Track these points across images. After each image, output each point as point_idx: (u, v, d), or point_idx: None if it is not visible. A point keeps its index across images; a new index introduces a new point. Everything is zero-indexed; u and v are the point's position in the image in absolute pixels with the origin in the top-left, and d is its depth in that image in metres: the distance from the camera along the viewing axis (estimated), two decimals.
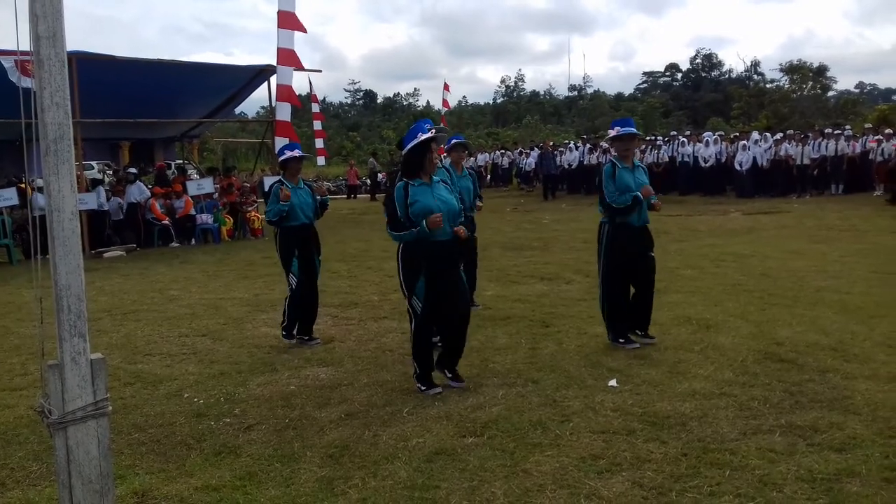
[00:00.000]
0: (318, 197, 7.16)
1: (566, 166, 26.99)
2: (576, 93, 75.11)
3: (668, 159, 23.92)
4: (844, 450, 3.99)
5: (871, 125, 25.84)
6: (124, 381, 5.94)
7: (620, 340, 6.29)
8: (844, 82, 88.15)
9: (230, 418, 5.02)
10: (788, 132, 22.95)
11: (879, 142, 20.37)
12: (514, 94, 75.78)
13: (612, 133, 6.33)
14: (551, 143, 29.28)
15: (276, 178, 7.56)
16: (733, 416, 4.58)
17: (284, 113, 15.80)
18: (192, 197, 16.78)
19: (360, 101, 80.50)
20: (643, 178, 6.28)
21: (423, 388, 5.35)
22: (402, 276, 5.34)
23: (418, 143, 5.21)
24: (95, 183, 16.75)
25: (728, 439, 4.22)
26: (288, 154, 7.10)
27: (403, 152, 5.32)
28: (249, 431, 4.75)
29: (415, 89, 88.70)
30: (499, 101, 76.00)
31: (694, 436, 4.30)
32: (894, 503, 3.41)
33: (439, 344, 5.75)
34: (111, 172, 22.67)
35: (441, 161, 6.55)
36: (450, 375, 5.47)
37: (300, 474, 4.06)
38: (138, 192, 16.44)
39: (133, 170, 17.74)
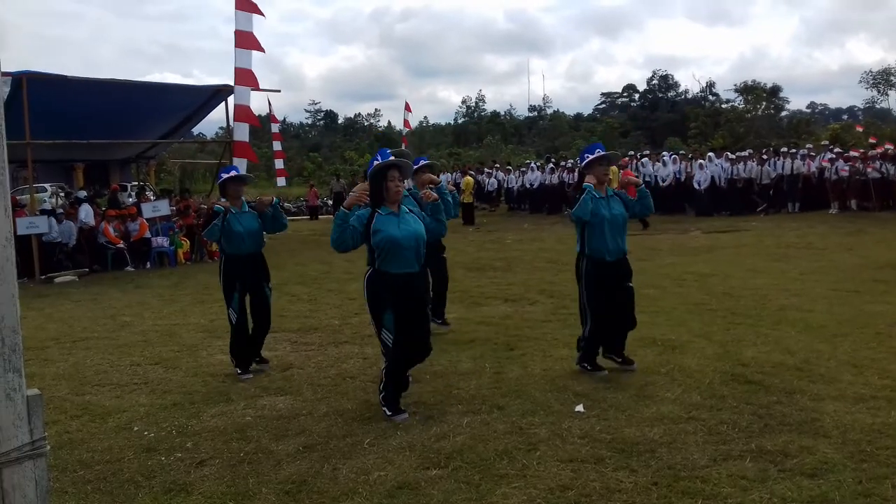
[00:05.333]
0: (268, 209, 6.62)
1: (528, 186, 27.12)
2: (536, 113, 75.85)
3: None
4: (817, 475, 3.91)
5: (826, 142, 26.31)
6: (71, 414, 5.64)
7: (588, 367, 6.14)
8: (796, 102, 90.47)
9: (182, 453, 4.78)
10: (741, 153, 23.18)
11: (832, 161, 20.79)
12: (475, 115, 76.00)
13: (588, 159, 6.08)
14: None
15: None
16: (703, 442, 4.48)
17: (242, 133, 15.56)
18: (147, 219, 16.41)
19: (321, 122, 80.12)
20: (619, 208, 6.04)
21: (389, 413, 5.17)
22: (370, 307, 5.21)
23: (376, 171, 5.13)
24: (45, 214, 16.14)
25: (698, 466, 4.11)
26: (224, 176, 6.73)
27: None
28: (202, 467, 4.52)
29: (375, 110, 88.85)
30: (460, 121, 76.27)
31: (664, 463, 4.18)
32: None
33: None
34: (63, 195, 22.09)
35: (410, 187, 6.25)
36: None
37: None
38: (84, 214, 16.03)
39: (81, 193, 17.23)
